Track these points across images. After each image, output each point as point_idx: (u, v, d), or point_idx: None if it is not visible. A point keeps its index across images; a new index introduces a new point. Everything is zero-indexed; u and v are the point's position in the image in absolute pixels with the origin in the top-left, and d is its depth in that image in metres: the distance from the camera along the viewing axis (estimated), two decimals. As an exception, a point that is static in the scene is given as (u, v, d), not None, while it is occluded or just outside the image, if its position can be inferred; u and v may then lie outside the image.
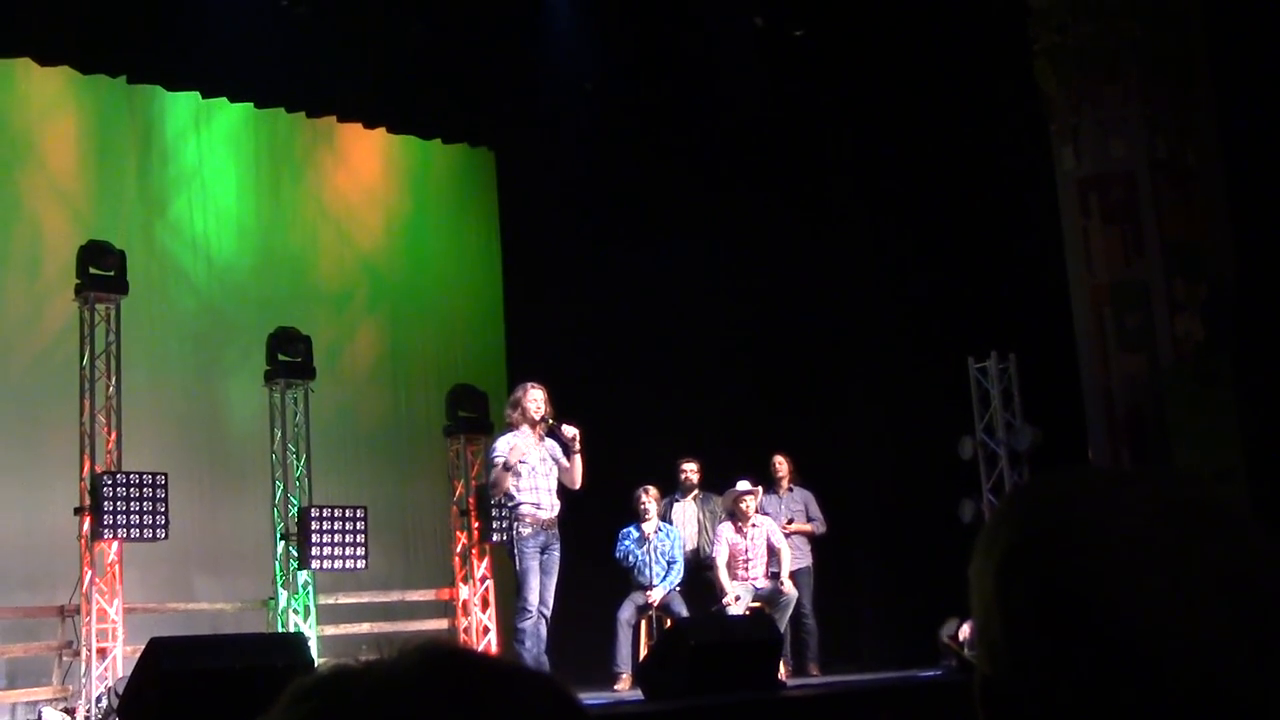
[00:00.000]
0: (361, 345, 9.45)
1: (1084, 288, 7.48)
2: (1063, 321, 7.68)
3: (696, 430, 8.40)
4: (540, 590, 5.68)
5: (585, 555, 6.99)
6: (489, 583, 8.69)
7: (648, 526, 7.21)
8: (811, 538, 7.98)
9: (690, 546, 7.52)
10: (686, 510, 7.81)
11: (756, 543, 7.39)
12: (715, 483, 7.88)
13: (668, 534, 7.20)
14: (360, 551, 7.81)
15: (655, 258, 8.91)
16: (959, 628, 7.24)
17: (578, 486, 5.92)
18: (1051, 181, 7.65)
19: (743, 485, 7.33)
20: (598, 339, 9.14)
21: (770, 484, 7.89)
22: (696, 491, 7.83)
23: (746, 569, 7.40)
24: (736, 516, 7.29)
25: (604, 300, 9.13)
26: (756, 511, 7.47)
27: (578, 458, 5.76)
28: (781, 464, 8.03)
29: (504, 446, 5.84)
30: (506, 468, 5.63)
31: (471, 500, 8.64)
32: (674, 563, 7.09)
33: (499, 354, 9.83)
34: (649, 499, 7.24)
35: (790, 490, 8.00)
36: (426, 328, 9.70)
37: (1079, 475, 0.87)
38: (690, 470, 7.82)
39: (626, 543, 7.20)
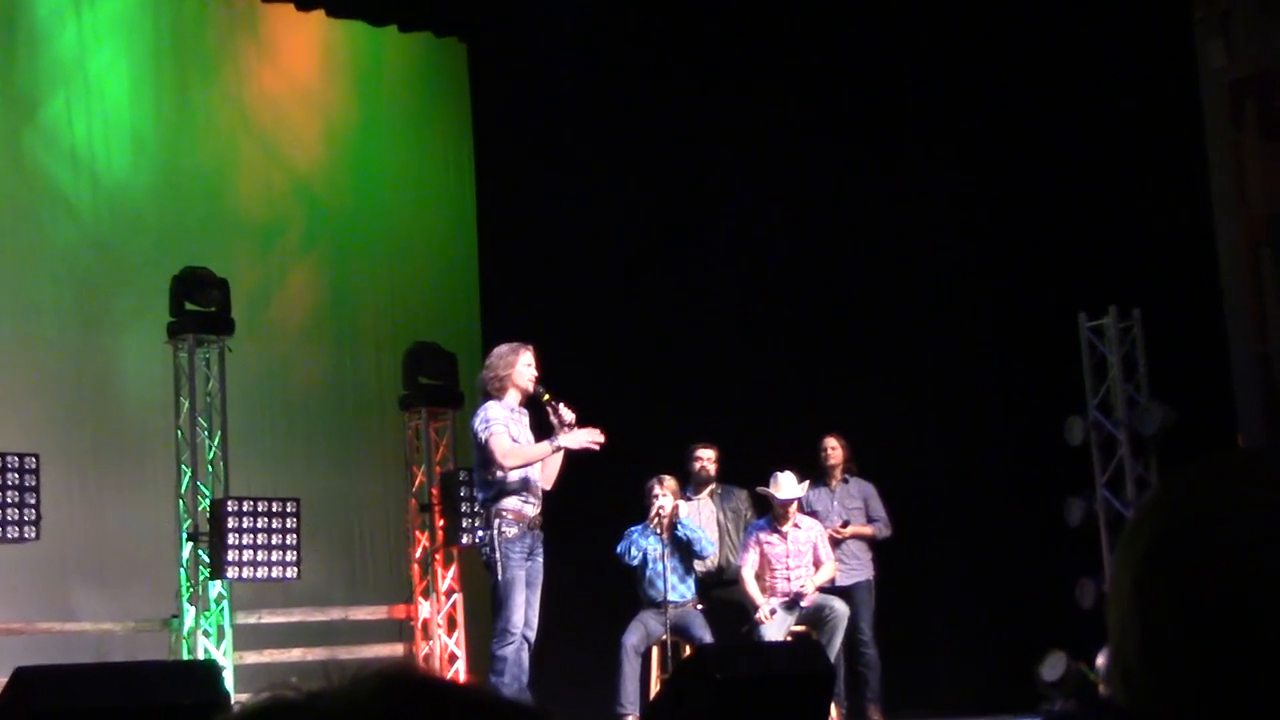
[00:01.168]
0: (294, 292, 9.43)
1: (1235, 221, 7.39)
2: (1205, 267, 7.62)
3: (719, 406, 8.35)
4: (525, 608, 5.69)
5: (574, 560, 7.02)
6: (456, 598, 8.73)
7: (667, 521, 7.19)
8: (872, 543, 7.89)
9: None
10: (702, 510, 7.68)
11: (799, 550, 7.31)
12: (741, 474, 7.80)
13: (690, 532, 7.12)
14: (291, 557, 7.86)
15: (671, 183, 8.84)
16: (1067, 665, 7.16)
17: (551, 485, 5.95)
18: (1193, 84, 7.56)
19: (786, 483, 7.15)
20: (596, 286, 9.00)
21: (819, 475, 7.77)
22: (714, 486, 7.75)
23: (789, 583, 7.34)
24: (774, 517, 7.25)
25: (604, 236, 8.94)
26: (799, 511, 7.40)
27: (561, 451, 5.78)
28: (834, 449, 7.88)
29: (501, 414, 5.75)
30: (554, 450, 5.59)
31: (435, 492, 8.67)
32: (701, 554, 7.12)
33: (471, 305, 9.72)
34: (664, 491, 7.12)
35: (845, 482, 7.89)
36: (378, 270, 9.65)
37: (1232, 461, 0.90)
38: (706, 459, 7.70)
39: (638, 538, 7.15)
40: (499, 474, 5.64)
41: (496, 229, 9.55)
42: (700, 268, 8.84)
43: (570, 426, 5.60)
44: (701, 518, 7.62)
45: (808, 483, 7.33)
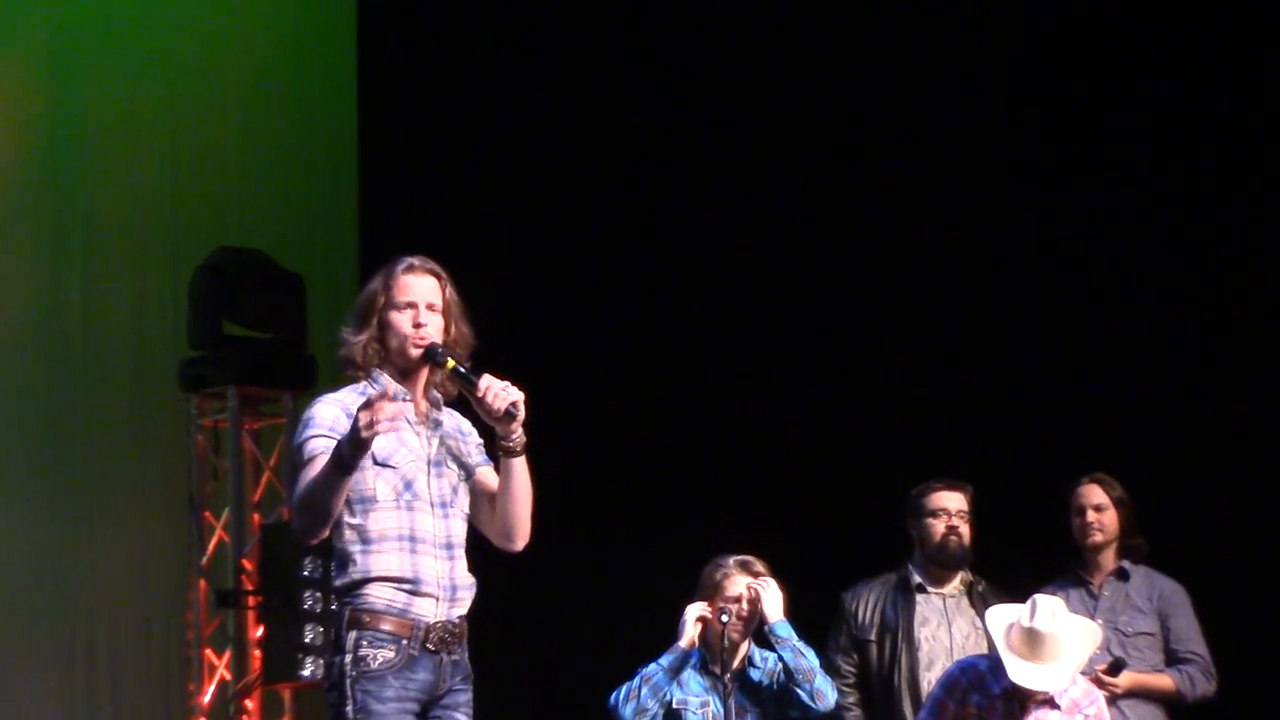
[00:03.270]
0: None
1: None
2: None
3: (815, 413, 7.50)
4: None
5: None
6: None
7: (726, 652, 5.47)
8: (1173, 702, 5.96)
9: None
10: (955, 617, 5.94)
11: None
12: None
13: (796, 656, 5.30)
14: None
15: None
16: None
17: (518, 540, 4.09)
18: None
19: (1051, 620, 5.33)
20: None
21: (1073, 560, 6.02)
22: (971, 579, 5.87)
23: None
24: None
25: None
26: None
27: (521, 462, 3.98)
28: (1101, 508, 5.97)
29: (328, 416, 3.99)
30: (344, 467, 3.80)
31: (247, 565, 7.44)
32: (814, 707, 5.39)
33: (346, 217, 8.46)
34: (732, 586, 5.30)
35: (1121, 578, 6.02)
36: (149, 127, 8.31)
37: None
38: (951, 507, 5.83)
39: (661, 680, 5.35)
40: (339, 538, 3.98)
41: (382, 79, 8.62)
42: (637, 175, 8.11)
43: (513, 411, 3.83)
44: (954, 636, 5.91)
45: (1098, 631, 5.37)
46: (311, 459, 3.86)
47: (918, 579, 5.83)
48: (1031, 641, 5.14)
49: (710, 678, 5.28)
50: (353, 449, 3.64)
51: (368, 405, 3.60)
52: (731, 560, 5.38)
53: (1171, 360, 7.46)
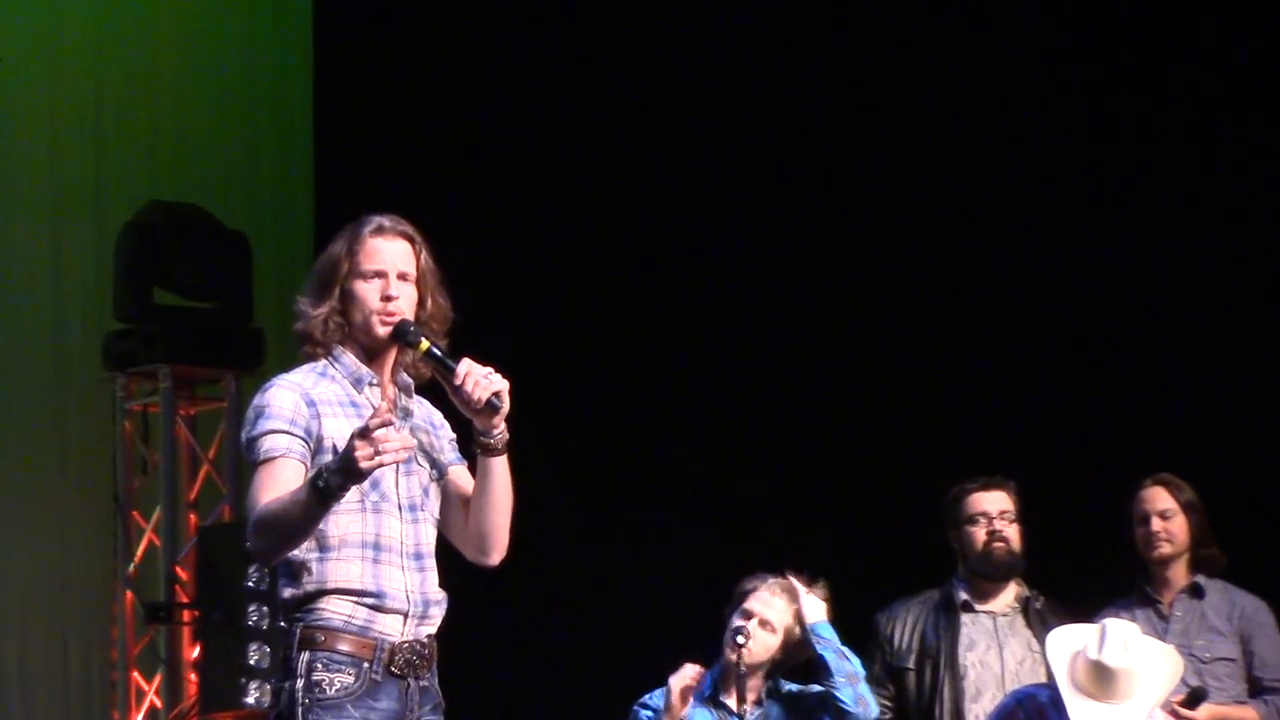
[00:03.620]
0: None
1: None
2: None
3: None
4: None
5: None
6: None
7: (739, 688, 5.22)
8: None
9: None
10: (1007, 640, 5.65)
11: None
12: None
13: (836, 658, 5.12)
14: None
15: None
16: None
17: (494, 552, 3.90)
18: None
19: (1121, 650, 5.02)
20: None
21: (1138, 576, 5.63)
22: (1027, 594, 5.57)
23: None
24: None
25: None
26: None
27: (502, 462, 3.82)
28: (1168, 516, 5.60)
29: (286, 406, 3.81)
30: (329, 498, 3.63)
31: (181, 574, 7.08)
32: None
33: (299, 167, 8.15)
34: (764, 608, 5.03)
35: (1195, 594, 5.68)
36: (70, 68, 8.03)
37: None
38: (998, 508, 5.54)
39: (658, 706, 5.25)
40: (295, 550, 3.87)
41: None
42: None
43: (496, 402, 3.64)
44: (1000, 659, 5.57)
45: (1179, 661, 5.07)
46: (269, 461, 3.67)
47: (963, 596, 5.48)
48: (1100, 678, 4.81)
49: (720, 711, 4.99)
50: (343, 479, 3.48)
51: (365, 433, 3.46)
52: (771, 578, 5.06)
53: (1246, 349, 7.01)
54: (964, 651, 5.48)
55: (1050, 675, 5.00)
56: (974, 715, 5.36)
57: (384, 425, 3.44)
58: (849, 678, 5.12)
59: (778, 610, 5.04)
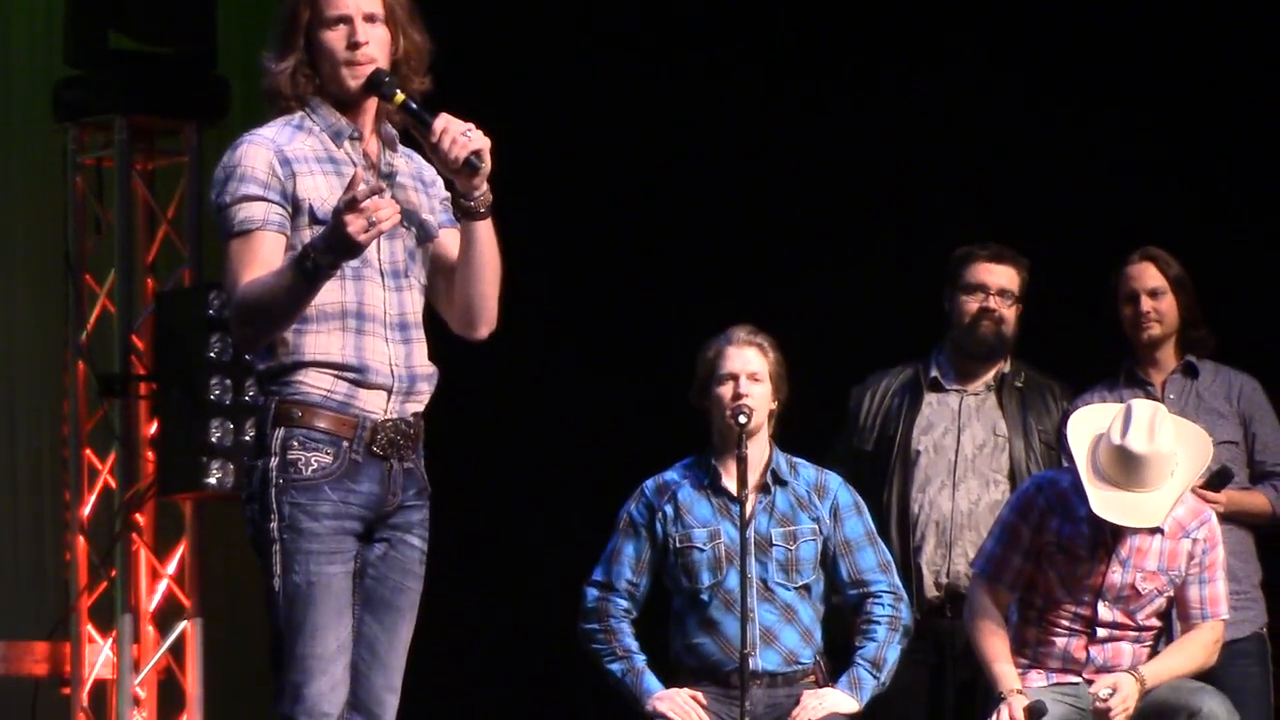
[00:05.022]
0: None
1: None
2: None
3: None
4: (342, 655, 3.71)
5: (509, 573, 6.66)
6: (185, 628, 6.83)
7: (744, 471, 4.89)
8: (1262, 526, 5.38)
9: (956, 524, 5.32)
10: (969, 423, 5.38)
11: (1150, 573, 4.89)
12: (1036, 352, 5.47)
13: (815, 501, 4.90)
14: None
15: None
16: None
17: (482, 324, 3.82)
18: None
19: (1147, 424, 4.85)
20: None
21: (1125, 359, 5.41)
22: (1006, 364, 5.34)
23: (1104, 654, 4.97)
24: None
25: None
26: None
27: (487, 225, 3.69)
28: (1158, 295, 5.38)
29: (260, 166, 3.66)
30: (319, 277, 3.56)
31: (139, 344, 6.90)
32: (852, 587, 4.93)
33: None
34: (741, 364, 4.86)
35: (1189, 373, 5.43)
36: None
37: None
38: (1000, 284, 5.34)
39: (656, 500, 4.96)
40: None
41: None
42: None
43: (477, 160, 3.50)
44: (950, 454, 5.31)
45: (1208, 441, 4.89)
46: (245, 234, 3.53)
47: (934, 372, 5.26)
48: (1124, 464, 4.67)
49: (721, 498, 4.77)
50: (334, 257, 3.36)
51: (352, 204, 3.31)
52: (733, 332, 4.78)
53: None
54: (919, 434, 5.28)
55: (1070, 459, 4.89)
56: (918, 505, 5.20)
57: (374, 192, 3.30)
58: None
59: (753, 359, 4.83)
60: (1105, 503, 4.69)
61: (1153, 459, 4.73)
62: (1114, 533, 4.82)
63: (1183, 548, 4.83)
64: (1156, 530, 4.81)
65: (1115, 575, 4.79)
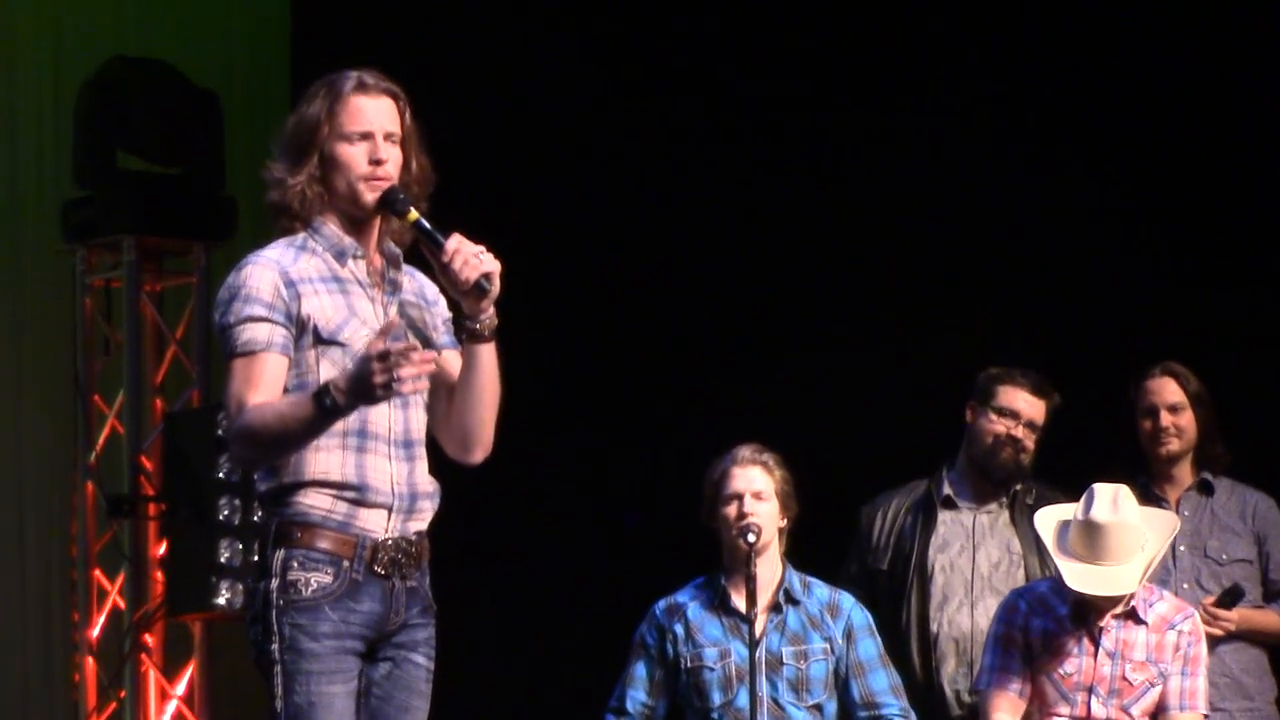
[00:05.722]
0: None
1: None
2: None
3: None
4: None
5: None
6: None
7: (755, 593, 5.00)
8: (1275, 645, 5.53)
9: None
10: (984, 541, 5.44)
11: (1132, 667, 5.04)
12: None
13: (828, 620, 4.99)
14: None
15: None
16: None
17: (478, 449, 3.82)
18: None
19: (1109, 509, 5.04)
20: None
21: (1140, 476, 5.39)
22: (1017, 488, 5.40)
23: None
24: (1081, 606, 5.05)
25: None
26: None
27: (490, 349, 3.72)
28: (1176, 409, 5.46)
29: (265, 287, 3.71)
30: (334, 415, 3.58)
31: (148, 465, 6.97)
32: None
33: (274, 19, 7.96)
34: (746, 483, 4.87)
35: (1204, 491, 5.54)
36: None
37: None
38: (1030, 415, 5.42)
39: (667, 621, 5.07)
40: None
41: None
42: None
43: (488, 283, 3.56)
44: (966, 572, 5.42)
45: (1174, 519, 5.06)
46: (250, 355, 3.54)
47: (946, 490, 5.28)
48: (1091, 538, 4.80)
49: (731, 617, 4.82)
50: (353, 400, 3.36)
51: (384, 355, 3.30)
52: (737, 451, 4.83)
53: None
54: (934, 553, 5.32)
55: (1040, 549, 4.98)
56: (937, 624, 5.23)
57: (408, 350, 3.30)
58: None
59: (757, 478, 4.89)
60: (1078, 575, 4.79)
61: (1119, 529, 4.81)
62: (1099, 626, 4.89)
63: (1169, 640, 4.87)
64: (1140, 621, 4.87)
65: (1105, 668, 4.84)
